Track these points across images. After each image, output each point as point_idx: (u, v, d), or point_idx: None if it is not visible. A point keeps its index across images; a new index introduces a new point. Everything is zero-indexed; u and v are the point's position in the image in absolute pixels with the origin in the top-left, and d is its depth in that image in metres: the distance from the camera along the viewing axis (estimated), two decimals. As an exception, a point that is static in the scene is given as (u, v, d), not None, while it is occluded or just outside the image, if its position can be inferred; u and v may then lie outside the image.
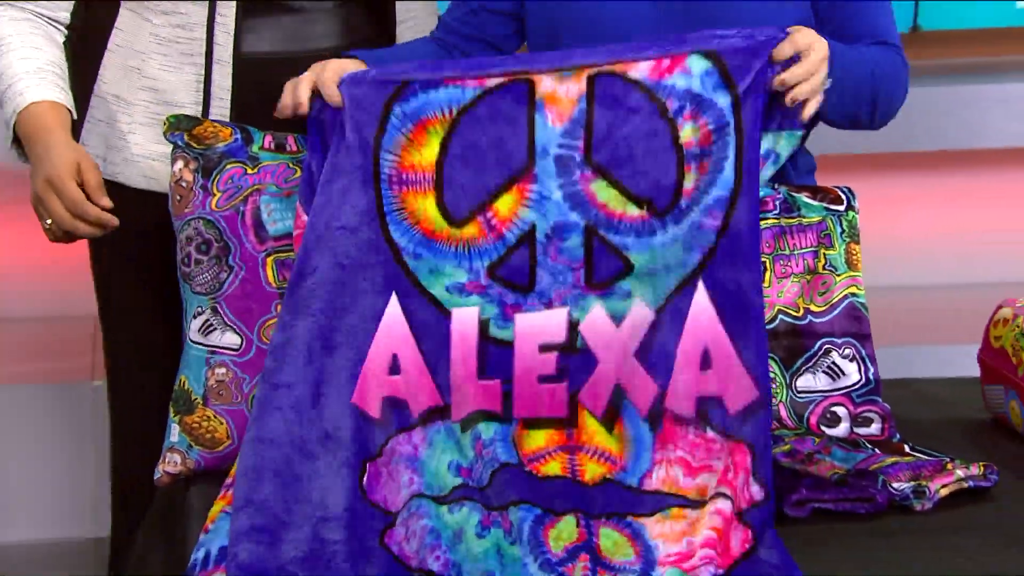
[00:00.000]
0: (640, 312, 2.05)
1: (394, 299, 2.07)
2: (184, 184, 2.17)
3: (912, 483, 1.98)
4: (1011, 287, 2.68)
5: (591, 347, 2.05)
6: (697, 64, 2.02)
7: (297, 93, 2.11)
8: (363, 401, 2.05)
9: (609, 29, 2.28)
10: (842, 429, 2.20)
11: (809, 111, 2.08)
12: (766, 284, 2.23)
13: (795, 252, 2.25)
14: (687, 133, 2.02)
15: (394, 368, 2.06)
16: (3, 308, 3.53)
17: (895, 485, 1.97)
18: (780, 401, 2.22)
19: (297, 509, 1.98)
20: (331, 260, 2.08)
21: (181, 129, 2.18)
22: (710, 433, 1.97)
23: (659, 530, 1.94)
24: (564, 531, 1.94)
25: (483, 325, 2.06)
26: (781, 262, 2.24)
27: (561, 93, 2.06)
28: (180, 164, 2.18)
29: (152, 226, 2.34)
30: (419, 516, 1.99)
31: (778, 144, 2.09)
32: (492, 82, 2.06)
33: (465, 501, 1.99)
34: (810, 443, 2.13)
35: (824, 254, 2.25)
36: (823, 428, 2.20)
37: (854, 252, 2.25)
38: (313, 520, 1.97)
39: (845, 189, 2.27)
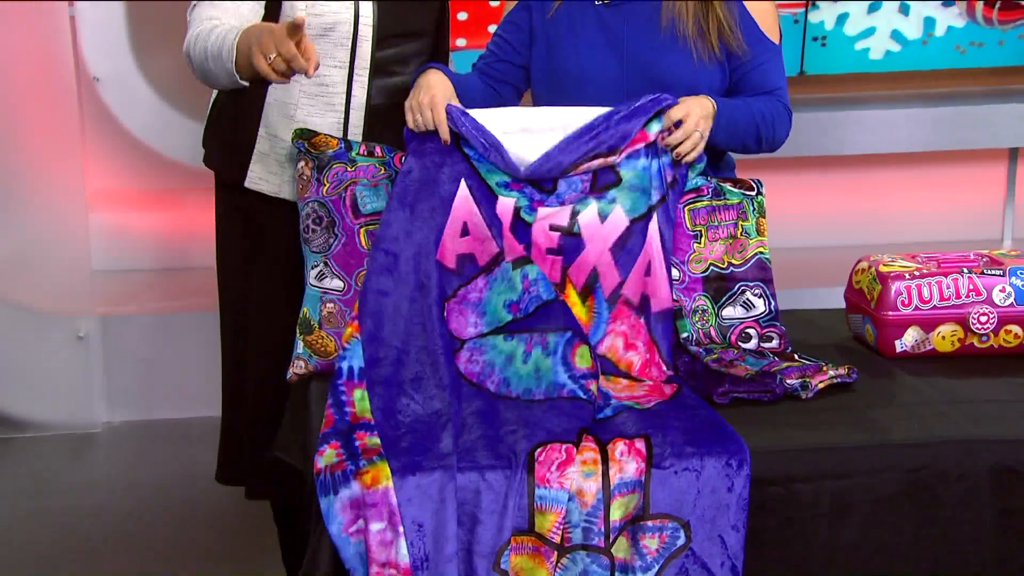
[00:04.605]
0: (618, 215, 2.31)
1: (463, 184, 2.33)
2: (304, 177, 2.42)
3: (800, 380, 2.23)
4: (866, 247, 2.99)
5: (583, 234, 2.30)
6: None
7: (437, 117, 2.37)
8: (443, 257, 2.29)
9: (589, 82, 2.54)
10: (753, 344, 2.43)
11: (689, 159, 2.36)
12: (701, 246, 2.43)
13: (721, 223, 2.45)
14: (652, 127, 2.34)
15: (464, 232, 2.31)
16: (194, 260, 3.95)
17: (788, 381, 2.22)
18: (711, 325, 2.42)
19: (408, 340, 2.22)
20: (422, 163, 2.33)
21: (304, 139, 2.43)
22: (642, 320, 2.25)
23: (606, 383, 2.22)
24: (583, 356, 2.21)
25: (516, 210, 2.33)
26: (712, 230, 2.45)
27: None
28: (302, 163, 2.41)
29: (285, 222, 2.54)
30: (480, 351, 2.23)
31: (687, 168, 2.40)
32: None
33: (515, 334, 2.24)
34: (731, 353, 2.37)
35: (741, 225, 2.46)
36: (740, 343, 2.44)
37: (762, 224, 2.48)
38: (417, 347, 2.21)
39: (756, 181, 2.51)
